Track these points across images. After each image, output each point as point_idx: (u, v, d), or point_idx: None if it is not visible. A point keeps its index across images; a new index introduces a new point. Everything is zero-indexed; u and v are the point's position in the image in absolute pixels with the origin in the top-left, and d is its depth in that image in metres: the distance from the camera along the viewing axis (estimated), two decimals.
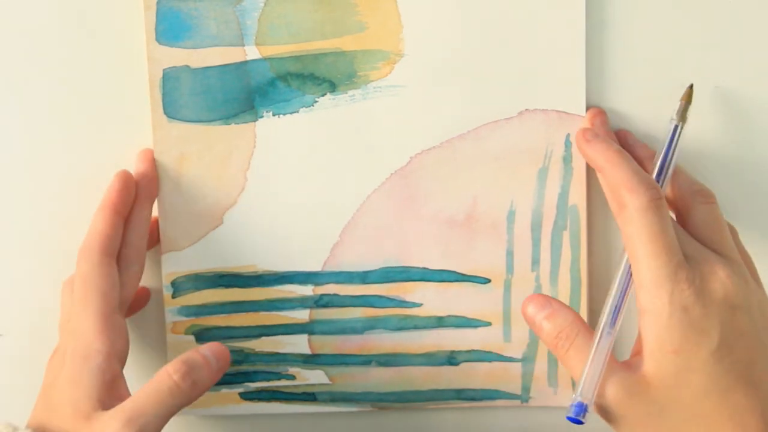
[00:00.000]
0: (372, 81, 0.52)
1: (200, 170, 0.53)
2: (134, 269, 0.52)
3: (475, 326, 0.54)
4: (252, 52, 0.52)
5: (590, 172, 0.53)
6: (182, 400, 0.47)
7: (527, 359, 0.55)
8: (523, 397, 0.55)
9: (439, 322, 0.55)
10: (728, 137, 0.53)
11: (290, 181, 0.53)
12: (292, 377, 0.55)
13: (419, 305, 0.54)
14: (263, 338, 0.55)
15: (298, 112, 0.53)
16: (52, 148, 0.53)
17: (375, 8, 0.52)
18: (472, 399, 0.55)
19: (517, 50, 0.52)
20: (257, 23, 0.52)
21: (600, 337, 0.47)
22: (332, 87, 0.52)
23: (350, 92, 0.52)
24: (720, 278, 0.45)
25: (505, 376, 0.55)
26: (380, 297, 0.54)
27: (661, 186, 0.49)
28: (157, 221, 0.54)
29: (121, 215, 0.51)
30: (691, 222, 0.49)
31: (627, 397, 0.45)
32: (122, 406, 0.46)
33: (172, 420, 0.50)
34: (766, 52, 0.52)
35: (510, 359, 0.55)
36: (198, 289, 0.54)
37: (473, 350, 0.55)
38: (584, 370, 0.46)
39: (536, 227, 0.54)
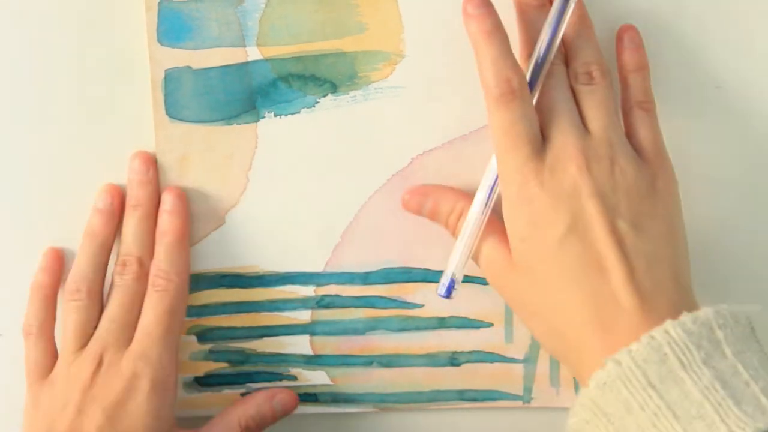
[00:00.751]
0: (373, 82, 0.52)
1: (202, 170, 0.53)
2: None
3: (477, 327, 0.54)
4: (253, 53, 0.52)
5: None
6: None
7: (529, 360, 0.55)
8: (525, 397, 0.55)
9: (441, 323, 0.54)
10: (728, 137, 0.53)
11: (292, 182, 0.53)
12: (294, 378, 0.55)
13: (421, 306, 0.54)
14: (265, 339, 0.55)
15: (299, 112, 0.53)
16: (53, 148, 0.53)
17: (376, 9, 0.52)
18: (474, 400, 0.55)
19: (518, 51, 0.52)
20: (258, 24, 0.52)
21: (472, 214, 0.49)
22: (333, 88, 0.52)
23: (351, 93, 0.52)
24: (570, 170, 0.45)
25: (507, 377, 0.55)
26: (382, 298, 0.54)
27: (543, 67, 0.48)
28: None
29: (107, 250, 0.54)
30: None
31: (499, 274, 0.48)
32: None
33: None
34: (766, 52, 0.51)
35: (512, 360, 0.55)
36: (200, 289, 0.54)
37: (475, 351, 0.55)
38: (456, 243, 0.49)
39: None
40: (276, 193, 0.53)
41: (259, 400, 0.53)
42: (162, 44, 0.52)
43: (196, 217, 0.54)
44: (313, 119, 0.53)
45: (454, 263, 0.49)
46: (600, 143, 0.46)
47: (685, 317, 0.41)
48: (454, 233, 0.50)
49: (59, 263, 0.53)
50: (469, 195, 0.49)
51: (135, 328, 0.52)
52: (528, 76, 0.47)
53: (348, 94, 0.53)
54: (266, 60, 0.52)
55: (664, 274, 0.45)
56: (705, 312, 0.42)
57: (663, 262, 0.45)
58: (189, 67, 0.52)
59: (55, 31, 0.52)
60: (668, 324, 0.41)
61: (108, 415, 0.50)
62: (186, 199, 0.52)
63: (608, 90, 0.48)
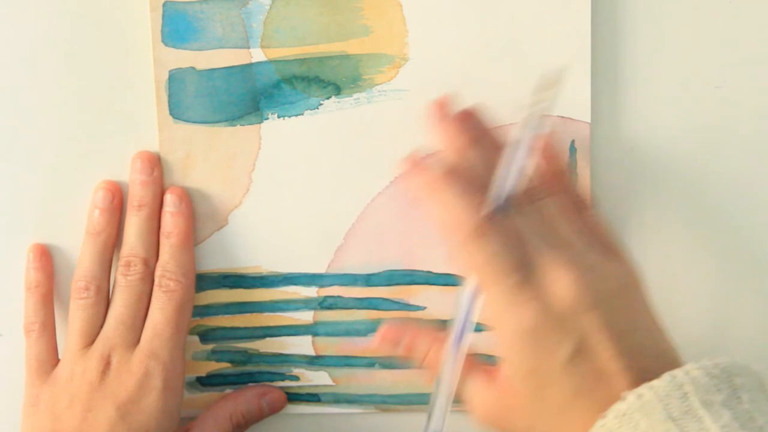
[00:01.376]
0: (377, 84, 0.52)
1: (205, 171, 0.53)
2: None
3: (478, 330, 0.54)
4: (257, 55, 0.52)
5: (594, 177, 0.53)
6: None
7: None
8: None
9: (443, 326, 0.54)
10: (728, 137, 0.53)
11: (295, 183, 0.53)
12: (296, 378, 0.55)
13: (423, 308, 0.55)
14: (267, 339, 0.55)
15: (302, 114, 0.53)
16: (55, 147, 0.54)
17: (380, 12, 0.52)
18: None
19: (522, 56, 0.52)
20: (263, 26, 0.52)
21: (445, 366, 0.47)
22: (337, 90, 0.53)
23: (355, 95, 0.53)
24: (563, 285, 0.44)
25: None
26: (384, 300, 0.54)
27: (505, 198, 0.47)
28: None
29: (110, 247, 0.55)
30: None
31: (494, 418, 0.46)
32: None
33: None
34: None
35: None
36: (202, 289, 0.55)
37: (477, 354, 0.55)
38: (431, 400, 0.46)
39: None
40: (279, 194, 0.53)
41: (249, 397, 0.53)
42: (166, 45, 0.52)
43: (199, 217, 0.54)
44: (316, 121, 0.53)
45: (437, 419, 0.47)
46: (579, 253, 0.45)
47: (707, 361, 0.42)
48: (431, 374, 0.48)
49: (49, 259, 0.54)
50: (441, 335, 0.48)
51: (141, 327, 0.52)
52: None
53: (352, 96, 0.53)
54: (270, 62, 0.52)
55: (659, 353, 0.45)
56: (724, 360, 0.42)
57: (659, 346, 0.45)
58: (193, 68, 0.52)
59: (58, 31, 0.53)
60: (690, 365, 0.42)
61: (121, 412, 0.50)
62: (189, 199, 0.52)
63: (549, 201, 0.47)
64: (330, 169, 0.53)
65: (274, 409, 0.54)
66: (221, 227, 0.54)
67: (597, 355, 0.44)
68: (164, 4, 0.52)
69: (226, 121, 0.53)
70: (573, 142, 0.53)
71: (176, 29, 0.52)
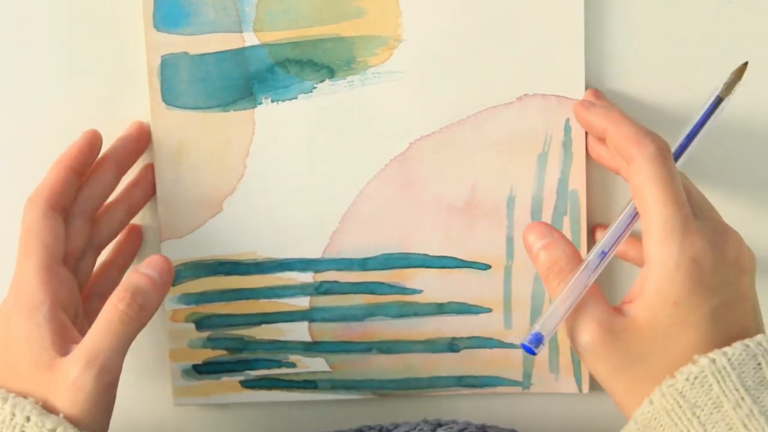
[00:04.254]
0: (371, 67, 0.52)
1: (199, 157, 0.53)
2: (76, 223, 0.51)
3: (476, 313, 0.54)
4: (250, 39, 0.52)
5: (589, 157, 0.53)
6: (134, 326, 0.47)
7: None
8: (525, 383, 0.55)
9: (440, 309, 0.54)
10: (728, 137, 0.53)
11: (289, 168, 0.53)
12: (293, 365, 0.55)
13: (419, 292, 0.54)
14: (263, 326, 0.55)
15: (296, 98, 0.53)
16: (50, 134, 0.53)
17: None
18: (473, 386, 0.55)
19: (516, 35, 0.52)
20: (255, 9, 0.52)
21: (579, 274, 0.46)
22: (331, 73, 0.52)
23: (349, 78, 0.52)
24: (733, 239, 0.45)
25: (506, 363, 0.55)
26: (380, 284, 0.54)
27: (683, 154, 0.48)
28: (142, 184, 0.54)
29: (76, 171, 0.50)
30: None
31: (609, 340, 0.44)
32: (79, 348, 0.46)
33: (173, 410, 0.50)
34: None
35: (511, 345, 0.55)
36: (198, 276, 0.54)
37: (474, 337, 0.55)
38: (554, 300, 0.45)
39: (536, 212, 0.53)
40: (274, 179, 0.53)
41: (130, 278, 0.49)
42: (158, 30, 0.52)
43: (193, 204, 0.54)
44: (310, 105, 0.53)
45: (551, 320, 0.45)
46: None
47: None
48: (549, 285, 0.47)
49: (96, 145, 0.52)
50: (578, 254, 0.47)
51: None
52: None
53: (345, 79, 0.52)
54: (263, 45, 0.52)
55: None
56: None
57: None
58: (185, 53, 0.52)
59: (50, 17, 0.52)
60: (761, 336, 0.43)
61: None
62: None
63: None
64: (325, 153, 0.53)
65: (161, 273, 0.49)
66: (216, 214, 0.54)
67: (740, 312, 0.44)
68: None
69: (220, 106, 0.53)
70: (568, 120, 0.53)
71: (168, 13, 0.52)
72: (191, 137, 0.53)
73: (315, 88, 0.52)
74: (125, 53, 0.52)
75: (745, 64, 0.48)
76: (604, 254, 0.46)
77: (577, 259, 0.47)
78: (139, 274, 0.48)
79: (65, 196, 0.50)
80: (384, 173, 0.53)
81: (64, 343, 0.46)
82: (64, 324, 0.47)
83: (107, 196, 0.52)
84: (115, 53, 0.52)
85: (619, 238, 0.47)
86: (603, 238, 0.47)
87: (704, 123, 0.48)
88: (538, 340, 0.45)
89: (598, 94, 0.52)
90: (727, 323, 0.44)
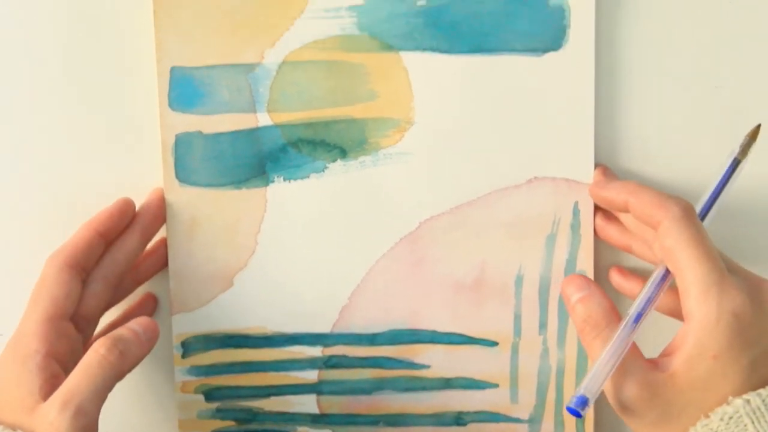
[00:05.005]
0: (382, 148, 0.53)
1: (211, 234, 0.53)
2: (95, 288, 0.52)
3: (483, 388, 0.55)
4: (264, 119, 0.53)
5: (597, 238, 0.54)
6: (112, 371, 0.47)
7: (534, 420, 0.55)
8: None
9: (447, 384, 0.55)
10: (728, 137, 0.53)
11: (300, 245, 0.54)
12: None
13: (427, 367, 0.55)
14: (272, 398, 0.56)
15: (308, 177, 0.53)
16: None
17: (386, 77, 0.52)
18: None
19: (526, 119, 0.53)
20: (269, 90, 0.52)
21: (619, 333, 0.46)
22: (343, 153, 0.53)
23: (361, 159, 0.53)
24: None
25: None
26: (389, 358, 0.55)
27: (704, 218, 0.48)
28: (153, 255, 0.55)
29: (102, 235, 0.52)
30: None
31: (648, 397, 0.44)
32: (58, 391, 0.46)
33: None
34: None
35: (517, 420, 0.55)
36: (207, 349, 0.55)
37: (480, 411, 0.55)
38: (596, 363, 0.46)
39: (544, 292, 0.54)
40: (284, 255, 0.54)
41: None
42: (173, 109, 0.52)
43: (205, 278, 0.54)
44: (322, 184, 0.53)
45: (595, 383, 0.45)
46: None
47: None
48: (585, 338, 0.48)
49: (127, 212, 0.53)
50: (614, 309, 0.48)
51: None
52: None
53: (357, 159, 0.53)
54: (276, 126, 0.53)
55: None
56: None
57: None
58: (200, 132, 0.53)
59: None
60: None
61: None
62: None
63: None
64: (335, 231, 0.54)
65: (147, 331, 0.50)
66: (226, 289, 0.54)
67: None
68: (172, 69, 0.52)
69: (232, 184, 0.53)
70: (576, 203, 0.53)
71: (183, 94, 0.52)
72: (204, 214, 0.53)
73: (327, 167, 0.53)
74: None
75: (758, 126, 0.49)
76: (639, 318, 0.47)
77: (613, 314, 0.48)
78: (123, 327, 0.49)
79: (86, 257, 0.51)
80: (394, 251, 0.54)
81: (52, 391, 0.47)
82: (55, 374, 0.48)
83: (131, 263, 0.53)
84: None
85: (651, 300, 0.47)
86: (636, 302, 0.47)
87: (724, 185, 0.49)
88: (583, 402, 0.45)
89: (608, 171, 0.53)
90: (766, 371, 0.44)
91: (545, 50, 0.52)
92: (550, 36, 0.52)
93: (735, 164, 0.49)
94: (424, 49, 0.52)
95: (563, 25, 0.52)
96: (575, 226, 0.53)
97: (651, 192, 0.48)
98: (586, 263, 0.54)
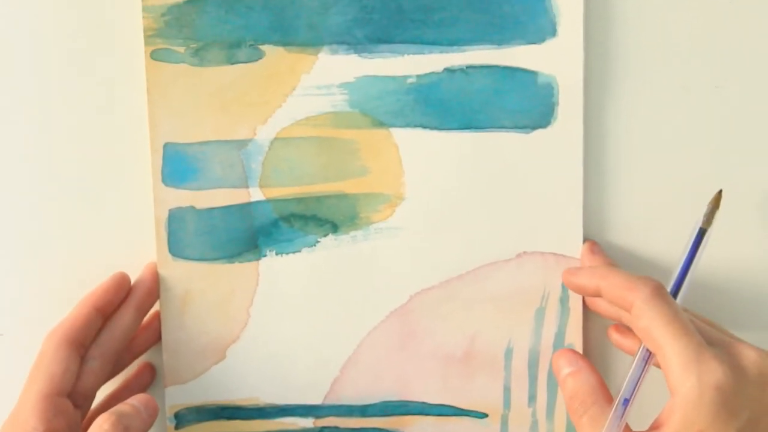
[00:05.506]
0: (373, 223, 0.54)
1: (204, 307, 0.54)
2: (93, 365, 0.52)
3: None
4: (256, 194, 0.53)
5: (586, 312, 0.54)
6: None
7: None
8: None
9: None
10: (728, 137, 0.54)
11: (292, 318, 0.54)
12: None
13: None
14: None
15: (300, 251, 0.54)
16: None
17: (377, 153, 0.53)
18: None
19: (516, 194, 0.53)
20: (261, 166, 0.53)
21: (610, 420, 0.47)
22: (334, 228, 0.54)
23: (352, 233, 0.54)
24: (750, 355, 0.46)
25: None
26: (380, 430, 0.55)
27: (678, 292, 0.49)
28: (147, 330, 0.55)
29: (99, 311, 0.52)
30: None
31: None
32: None
33: None
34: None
35: None
36: (201, 420, 0.55)
37: None
38: None
39: (533, 364, 0.55)
40: (277, 328, 0.54)
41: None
42: (166, 185, 0.53)
43: (198, 351, 0.55)
44: (314, 258, 0.54)
45: None
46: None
47: None
48: (574, 414, 0.49)
49: (123, 286, 0.53)
50: (603, 386, 0.49)
51: None
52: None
53: (349, 234, 0.54)
54: (268, 201, 0.53)
55: None
56: None
57: None
58: (192, 207, 0.53)
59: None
60: None
61: None
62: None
63: None
64: (327, 304, 0.54)
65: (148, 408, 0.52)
66: (219, 361, 0.55)
67: (761, 428, 0.45)
68: (165, 145, 0.53)
69: (225, 258, 0.54)
70: None
71: (176, 169, 0.53)
72: (197, 287, 0.54)
73: (318, 242, 0.54)
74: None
75: (720, 192, 0.50)
76: (627, 402, 0.48)
77: (601, 391, 0.49)
78: (124, 403, 0.50)
79: (84, 333, 0.51)
80: (385, 324, 0.54)
81: None
82: None
83: (128, 339, 0.53)
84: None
85: (638, 382, 0.48)
86: (623, 386, 0.48)
87: (693, 257, 0.49)
88: None
89: (595, 246, 0.53)
90: None
91: (534, 127, 0.53)
92: (538, 113, 0.53)
93: (701, 234, 0.49)
94: (415, 126, 0.53)
95: (552, 103, 0.53)
96: (564, 300, 0.54)
97: (620, 275, 0.48)
98: (575, 336, 0.54)
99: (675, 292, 0.49)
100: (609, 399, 0.49)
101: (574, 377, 0.50)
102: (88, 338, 0.52)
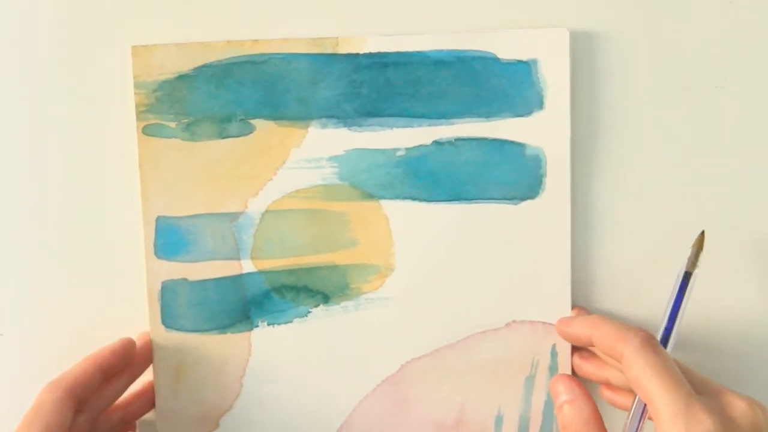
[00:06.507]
0: (364, 293, 0.54)
1: (197, 377, 0.54)
2: (82, 419, 0.52)
3: None
4: (247, 266, 0.54)
5: (576, 376, 0.55)
6: None
7: None
8: None
9: None
10: (728, 137, 0.54)
11: (285, 387, 0.55)
12: None
13: None
14: None
15: (292, 322, 0.54)
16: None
17: (367, 225, 0.53)
18: None
19: (505, 265, 0.54)
20: (253, 238, 0.54)
21: None
22: (325, 299, 0.54)
23: (343, 304, 0.54)
24: (739, 406, 0.46)
25: None
26: None
27: (670, 338, 0.49)
28: (140, 398, 0.56)
29: (103, 371, 0.52)
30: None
31: None
32: None
33: None
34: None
35: None
36: None
37: None
38: None
39: (523, 431, 0.55)
40: (269, 398, 0.55)
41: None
42: (159, 257, 0.54)
43: (191, 420, 0.55)
44: (305, 328, 0.54)
45: None
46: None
47: None
48: None
49: (129, 351, 0.54)
50: (597, 416, 0.50)
51: None
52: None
53: (340, 304, 0.54)
54: (260, 272, 0.54)
55: None
56: None
57: None
58: (185, 279, 0.54)
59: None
60: None
61: None
62: None
63: None
64: (319, 373, 0.55)
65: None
66: (212, 430, 0.55)
67: None
68: (157, 219, 0.53)
69: (217, 329, 0.54)
70: (554, 345, 0.54)
71: (169, 242, 0.54)
72: (190, 358, 0.54)
73: (310, 312, 0.54)
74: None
75: (702, 233, 0.50)
76: None
77: (597, 423, 0.50)
78: None
79: (86, 391, 0.52)
80: (376, 392, 0.55)
81: None
82: None
83: (114, 401, 0.54)
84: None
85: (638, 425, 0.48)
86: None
87: (680, 301, 0.50)
88: None
89: (583, 313, 0.54)
90: None
91: (522, 198, 0.53)
92: (526, 184, 0.53)
93: (687, 278, 0.50)
94: (404, 198, 0.54)
95: (540, 174, 0.53)
96: (553, 368, 0.54)
97: (611, 325, 0.49)
98: None
99: (665, 339, 0.50)
100: (603, 431, 0.49)
101: (571, 405, 0.51)
102: (88, 395, 0.52)
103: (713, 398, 0.46)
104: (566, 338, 0.52)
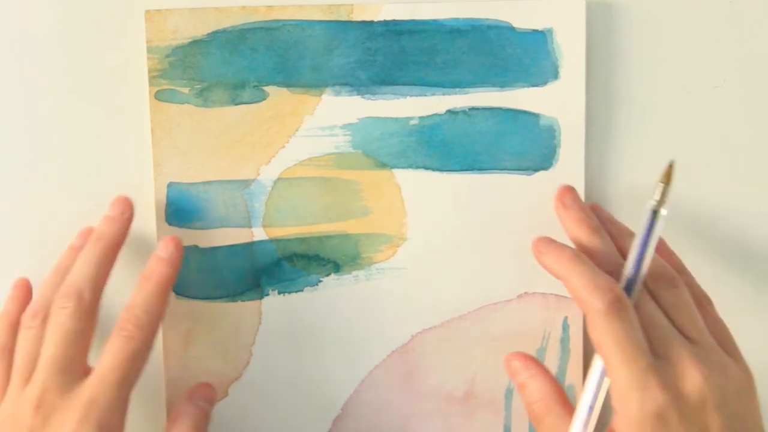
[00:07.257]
0: (375, 263, 0.54)
1: (207, 345, 0.54)
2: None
3: None
4: (259, 234, 0.54)
5: (587, 353, 0.55)
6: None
7: None
8: None
9: None
10: (728, 137, 0.54)
11: (294, 356, 0.55)
12: None
13: None
14: None
15: (302, 290, 0.54)
16: None
17: (380, 194, 0.53)
18: None
19: (517, 236, 0.53)
20: (264, 206, 0.53)
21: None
22: (336, 268, 0.54)
23: (354, 273, 0.54)
24: (696, 380, 0.44)
25: None
26: None
27: (637, 281, 0.48)
28: None
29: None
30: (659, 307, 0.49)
31: None
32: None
33: None
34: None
35: None
36: None
37: None
38: None
39: None
40: (278, 366, 0.55)
41: (186, 410, 0.52)
42: (170, 224, 0.53)
43: None
44: (316, 297, 0.54)
45: None
46: (709, 350, 0.46)
47: None
48: (535, 421, 0.49)
49: (27, 292, 0.53)
50: (558, 387, 0.50)
51: (78, 369, 0.48)
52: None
53: (351, 274, 0.54)
54: (271, 240, 0.54)
55: None
56: None
57: None
58: (196, 246, 0.54)
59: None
60: None
61: None
62: (182, 251, 0.51)
63: (685, 289, 0.48)
64: (329, 342, 0.55)
65: (212, 401, 0.53)
66: (221, 399, 0.55)
67: None
68: (169, 185, 0.53)
69: (228, 297, 0.54)
70: (566, 318, 0.54)
71: (180, 209, 0.53)
72: (200, 326, 0.54)
73: (321, 281, 0.54)
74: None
75: (671, 165, 0.47)
76: (591, 409, 0.48)
77: (555, 396, 0.50)
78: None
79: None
80: (386, 363, 0.55)
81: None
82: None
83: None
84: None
85: (596, 392, 0.48)
86: (583, 394, 0.48)
87: (647, 244, 0.48)
88: None
89: (599, 208, 0.53)
90: None
91: (536, 169, 0.53)
92: (540, 155, 0.53)
93: (653, 216, 0.47)
94: (417, 167, 0.53)
95: (553, 145, 0.53)
96: (564, 341, 0.54)
97: (582, 273, 0.47)
98: (575, 377, 0.54)
99: (629, 286, 0.47)
100: (566, 404, 0.49)
101: (534, 380, 0.50)
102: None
103: (672, 366, 0.45)
104: (540, 263, 0.51)
